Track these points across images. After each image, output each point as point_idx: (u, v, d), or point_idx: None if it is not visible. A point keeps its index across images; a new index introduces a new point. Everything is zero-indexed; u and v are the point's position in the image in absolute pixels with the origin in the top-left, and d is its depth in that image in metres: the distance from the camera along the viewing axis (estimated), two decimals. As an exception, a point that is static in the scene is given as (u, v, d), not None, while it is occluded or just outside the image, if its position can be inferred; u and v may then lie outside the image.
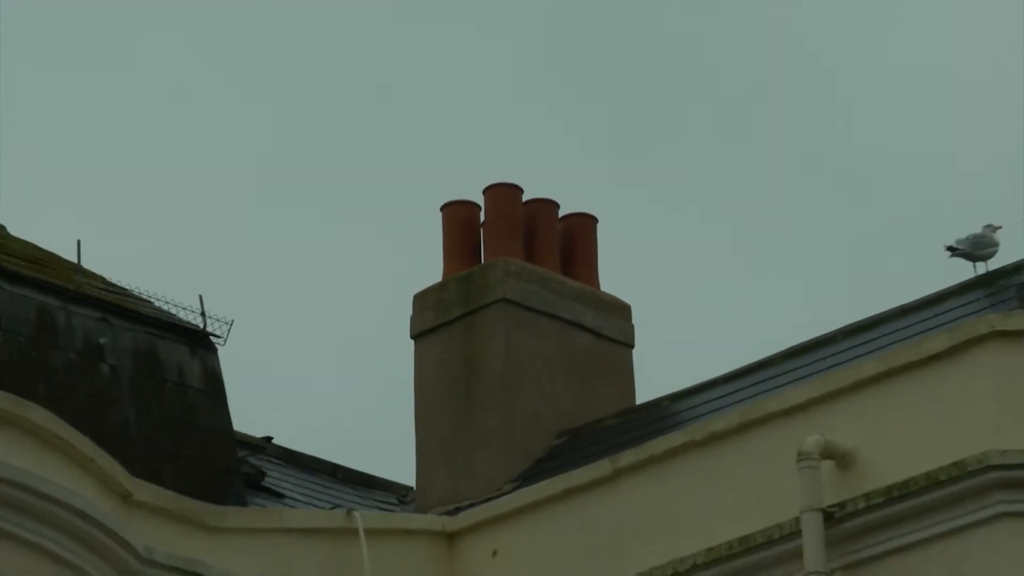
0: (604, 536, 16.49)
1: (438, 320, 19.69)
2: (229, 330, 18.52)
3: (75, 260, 18.47)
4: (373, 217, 41.86)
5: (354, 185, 44.00)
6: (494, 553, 16.98)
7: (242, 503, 17.40)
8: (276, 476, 19.14)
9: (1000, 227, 18.16)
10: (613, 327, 20.08)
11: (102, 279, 18.39)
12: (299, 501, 18.57)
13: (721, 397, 18.53)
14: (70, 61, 46.84)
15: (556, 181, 22.93)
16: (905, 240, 39.26)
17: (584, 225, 20.36)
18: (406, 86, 46.75)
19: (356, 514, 17.03)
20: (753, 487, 15.82)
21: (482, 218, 20.07)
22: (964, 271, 18.23)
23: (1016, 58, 44.58)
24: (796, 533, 15.21)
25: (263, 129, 45.84)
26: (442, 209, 20.14)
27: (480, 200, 20.07)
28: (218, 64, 47.62)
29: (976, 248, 18.10)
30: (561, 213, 20.40)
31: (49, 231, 19.18)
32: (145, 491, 15.72)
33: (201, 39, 47.62)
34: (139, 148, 44.31)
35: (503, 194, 19.97)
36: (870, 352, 16.80)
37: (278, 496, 18.52)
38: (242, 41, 48.03)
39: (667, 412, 18.97)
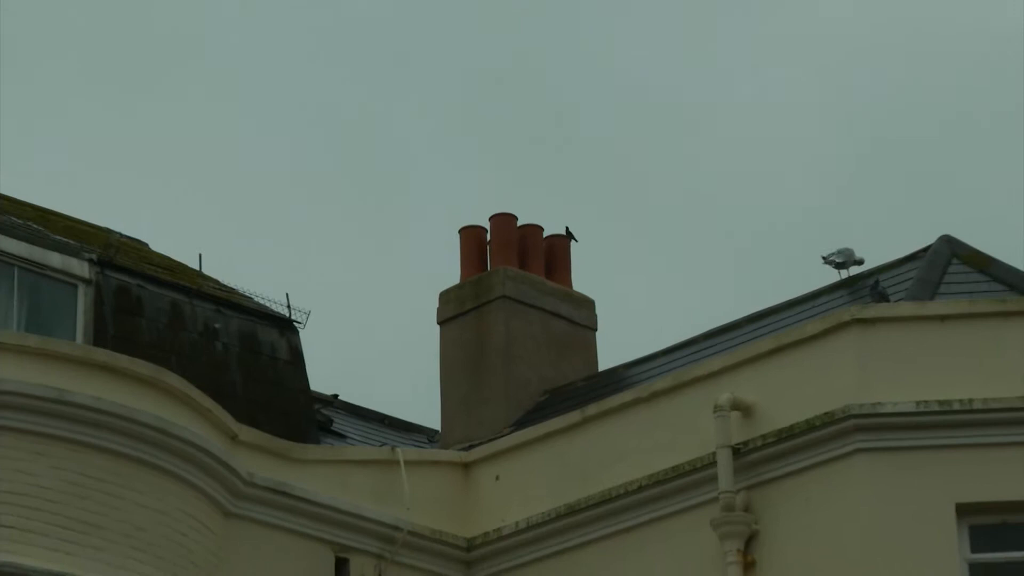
0: (575, 466, 16.36)
1: (456, 311, 19.61)
2: (307, 318, 18.40)
3: (197, 267, 18.43)
4: (413, 235, 41.53)
5: (400, 211, 43.25)
6: (496, 477, 16.96)
7: (316, 442, 17.27)
8: (340, 423, 18.96)
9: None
10: (582, 316, 19.99)
11: (216, 281, 18.30)
12: (357, 440, 18.43)
13: (660, 366, 18.41)
14: (176, 96, 44.55)
15: (541, 210, 22.66)
16: (785, 252, 37.90)
17: (561, 243, 20.20)
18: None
19: (398, 449, 17.11)
20: (683, 430, 15.68)
21: (488, 238, 19.91)
22: (832, 276, 18.28)
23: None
24: (713, 463, 15.21)
25: (322, 166, 44.40)
26: (460, 231, 20.03)
27: (487, 224, 19.95)
28: (297, 94, 45.44)
29: (843, 259, 18.05)
30: (545, 234, 20.23)
31: (179, 246, 19.14)
32: (247, 433, 15.76)
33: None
34: (236, 181, 43.71)
35: (503, 220, 19.88)
36: (766, 334, 16.82)
37: (342, 437, 18.37)
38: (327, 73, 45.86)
39: (621, 376, 18.90)
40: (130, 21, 43.83)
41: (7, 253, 16.18)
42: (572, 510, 16.17)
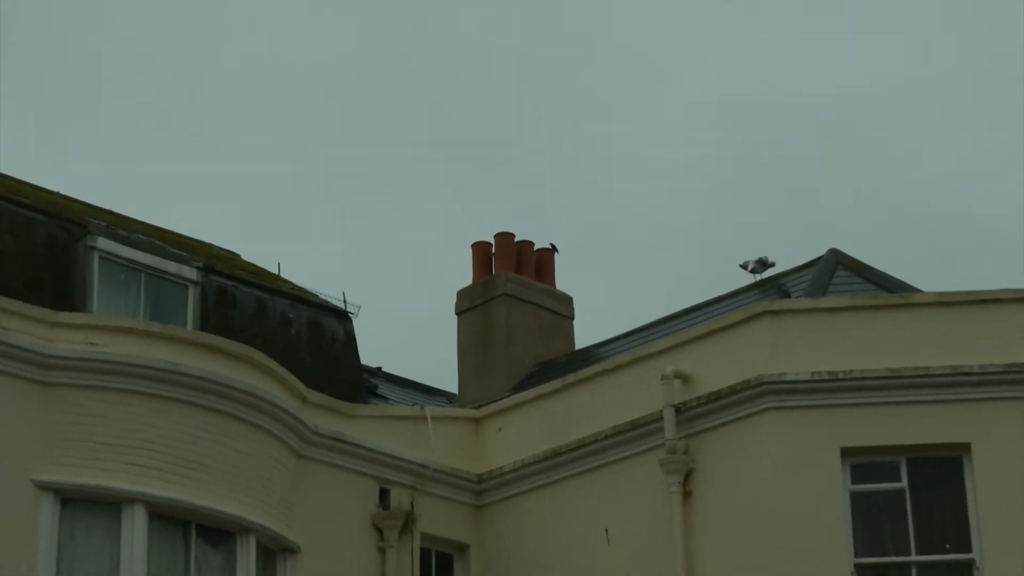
0: (558, 421, 16.25)
1: (469, 305, 19.47)
2: (359, 310, 18.32)
3: (276, 272, 18.43)
4: (436, 247, 41.47)
5: (430, 227, 42.94)
6: (499, 429, 16.86)
7: (365, 402, 17.22)
8: (384, 388, 18.92)
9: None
10: (563, 308, 19.86)
11: (291, 283, 18.27)
12: (395, 401, 18.28)
13: (621, 346, 18.38)
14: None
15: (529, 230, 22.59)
16: (711, 261, 37.68)
17: (547, 254, 20.05)
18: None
19: (426, 408, 17.10)
20: (638, 393, 15.54)
21: (492, 250, 19.73)
22: (749, 278, 18.19)
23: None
24: (660, 419, 15.18)
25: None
26: (472, 245, 19.84)
27: (492, 240, 19.79)
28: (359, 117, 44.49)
29: (758, 266, 17.97)
30: (535, 248, 20.05)
31: (263, 256, 19.11)
32: (314, 396, 15.66)
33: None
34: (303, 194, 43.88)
35: (504, 237, 19.70)
36: (700, 321, 16.80)
37: (384, 399, 18.24)
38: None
39: (592, 354, 18.79)
40: (185, 81, 43.38)
41: (137, 262, 16.08)
42: (555, 453, 16.10)
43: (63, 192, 17.25)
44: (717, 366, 15.12)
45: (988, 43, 42.03)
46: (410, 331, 34.52)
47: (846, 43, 42.98)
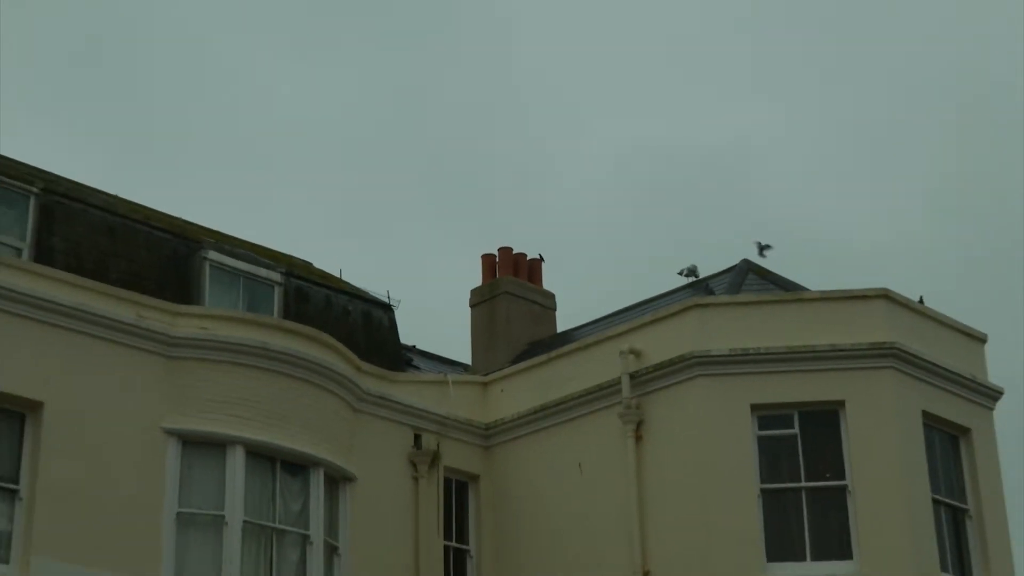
0: (544, 384, 16.12)
1: (479, 300, 19.26)
2: (399, 304, 18.18)
3: (339, 275, 18.12)
4: (457, 258, 41.49)
5: (444, 243, 42.96)
6: (501, 390, 16.70)
7: (403, 371, 17.10)
8: (417, 360, 18.90)
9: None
10: (548, 302, 19.59)
11: (350, 284, 18.06)
12: (425, 370, 18.24)
13: (590, 329, 18.10)
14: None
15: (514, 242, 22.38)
16: (654, 267, 38.45)
17: (536, 263, 19.81)
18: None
19: (448, 375, 16.99)
20: (603, 364, 15.41)
21: (496, 259, 19.53)
22: (682, 281, 18.09)
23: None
24: (619, 383, 15.07)
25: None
26: (481, 256, 19.65)
27: (496, 252, 19.58)
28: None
29: (690, 272, 17.89)
30: (528, 258, 19.85)
31: (329, 264, 18.92)
32: (366, 366, 15.50)
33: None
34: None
35: (505, 250, 19.50)
36: (647, 311, 16.62)
37: (417, 368, 18.21)
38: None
39: (569, 336, 18.57)
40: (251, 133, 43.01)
41: (237, 269, 16.04)
42: (542, 408, 16.05)
43: (183, 217, 17.24)
44: (660, 344, 15.06)
45: (845, 110, 42.60)
46: (436, 319, 34.45)
47: (733, 103, 43.44)
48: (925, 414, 14.52)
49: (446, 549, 15.80)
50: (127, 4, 41.79)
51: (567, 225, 40.37)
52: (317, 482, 14.32)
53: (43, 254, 14.31)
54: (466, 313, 19.63)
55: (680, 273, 17.95)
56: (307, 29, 44.55)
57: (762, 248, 17.57)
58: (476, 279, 19.74)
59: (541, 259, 20.10)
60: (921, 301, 15.33)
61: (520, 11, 45.16)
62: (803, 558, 13.81)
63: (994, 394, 15.38)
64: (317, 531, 14.13)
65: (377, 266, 39.44)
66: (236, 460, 13.73)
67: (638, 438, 14.85)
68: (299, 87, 44.46)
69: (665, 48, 45.06)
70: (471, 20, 44.80)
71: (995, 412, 15.28)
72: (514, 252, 19.58)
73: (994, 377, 15.50)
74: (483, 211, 43.72)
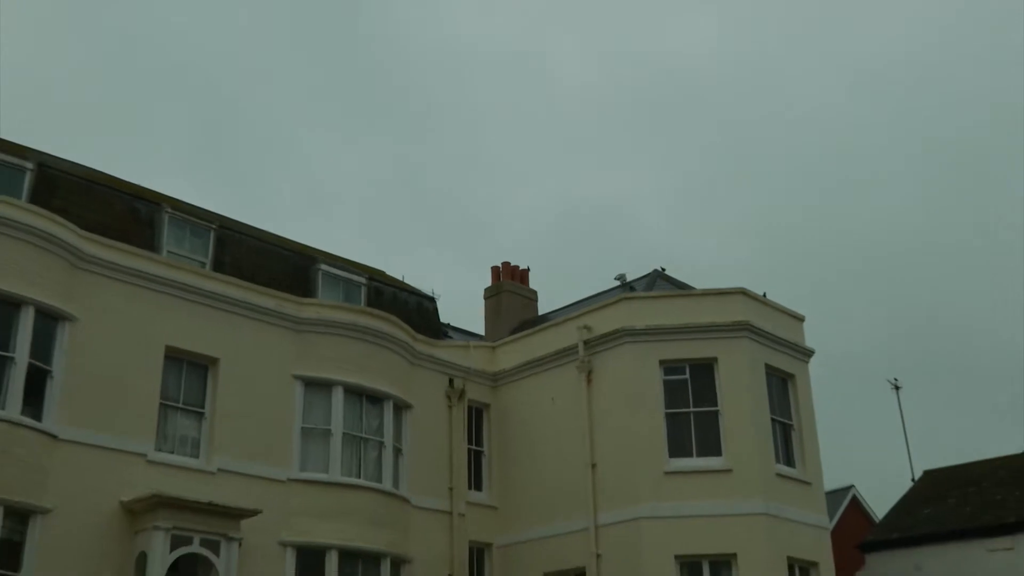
0: (530, 348, 15.67)
1: (490, 295, 18.81)
2: (440, 297, 17.80)
3: (401, 278, 17.59)
4: (471, 266, 40.54)
5: (468, 253, 41.85)
6: (503, 352, 16.13)
7: (442, 339, 16.42)
8: (452, 333, 18.31)
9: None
10: (533, 296, 19.01)
11: (408, 284, 17.39)
12: (456, 338, 17.52)
13: (559, 314, 17.53)
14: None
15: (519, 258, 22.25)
16: (596, 274, 37.90)
17: (525, 272, 19.07)
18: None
19: (470, 342, 16.46)
20: (567, 336, 14.98)
21: (500, 269, 19.06)
22: (615, 283, 17.29)
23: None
24: (577, 346, 14.68)
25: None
26: (491, 268, 19.19)
27: (500, 265, 19.18)
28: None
29: (622, 277, 17.11)
30: (521, 268, 19.35)
31: (395, 271, 18.41)
32: (419, 336, 15.18)
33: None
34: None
35: (506, 264, 19.11)
36: (595, 302, 16.09)
37: (451, 338, 17.53)
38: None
39: (546, 318, 18.08)
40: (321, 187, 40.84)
41: (340, 276, 15.74)
42: (528, 362, 15.64)
43: (300, 240, 16.74)
44: (603, 322, 14.68)
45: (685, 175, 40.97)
46: (464, 306, 34.45)
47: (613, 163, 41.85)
48: (767, 366, 14.34)
49: (469, 451, 15.60)
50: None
51: (531, 252, 39.66)
52: (388, 408, 14.24)
53: (218, 266, 14.36)
54: (481, 303, 19.23)
55: (616, 278, 17.55)
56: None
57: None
58: (487, 281, 19.45)
59: (528, 270, 19.95)
60: (764, 295, 15.15)
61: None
62: (691, 455, 13.70)
63: (808, 353, 15.26)
64: (388, 439, 14.07)
65: (423, 273, 39.02)
66: (337, 395, 13.69)
67: (589, 382, 14.63)
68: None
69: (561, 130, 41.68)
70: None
71: (809, 364, 15.22)
72: (511, 265, 19.27)
73: (809, 342, 15.44)
74: (483, 238, 42.39)
